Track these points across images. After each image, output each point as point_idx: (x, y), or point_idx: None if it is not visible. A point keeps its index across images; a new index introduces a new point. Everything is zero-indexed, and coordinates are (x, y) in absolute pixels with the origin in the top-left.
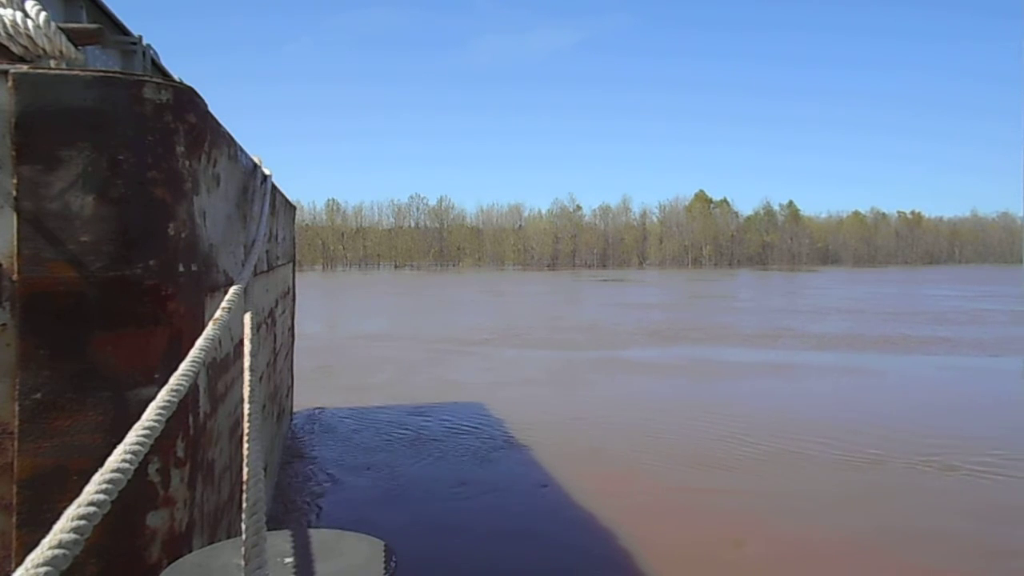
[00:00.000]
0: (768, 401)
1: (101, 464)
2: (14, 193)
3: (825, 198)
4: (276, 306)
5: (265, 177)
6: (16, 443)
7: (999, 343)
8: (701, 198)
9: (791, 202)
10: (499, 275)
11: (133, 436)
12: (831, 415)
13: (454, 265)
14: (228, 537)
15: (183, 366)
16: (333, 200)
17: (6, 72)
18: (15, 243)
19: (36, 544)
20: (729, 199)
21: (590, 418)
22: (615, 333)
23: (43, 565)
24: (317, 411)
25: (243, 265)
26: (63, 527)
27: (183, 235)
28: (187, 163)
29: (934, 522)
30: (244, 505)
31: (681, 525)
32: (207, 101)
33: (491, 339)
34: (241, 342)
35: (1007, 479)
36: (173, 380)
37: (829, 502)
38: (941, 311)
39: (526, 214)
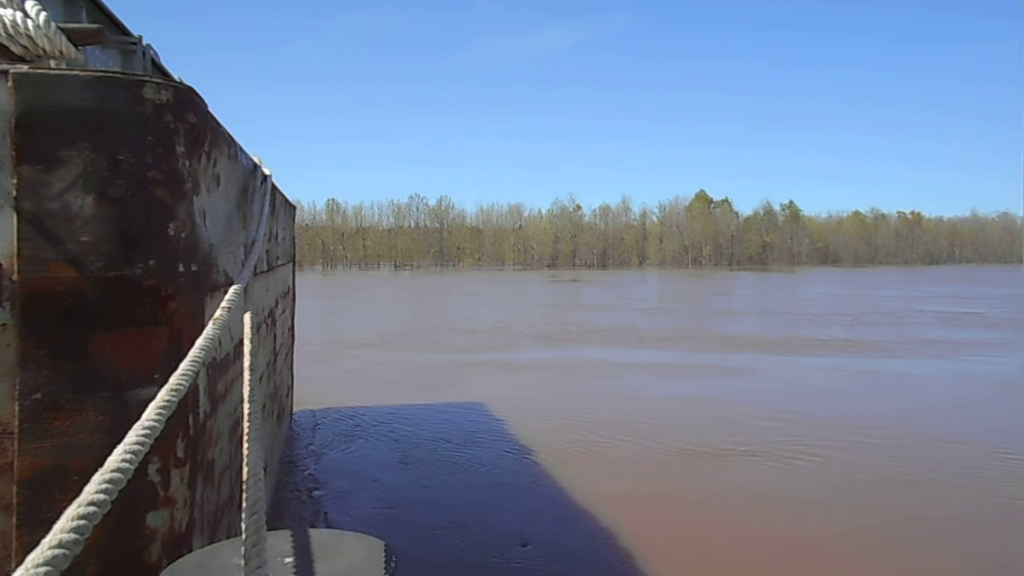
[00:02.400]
0: (616, 399)
1: (101, 464)
2: (14, 193)
3: (825, 198)
4: (276, 306)
5: (265, 177)
6: (16, 443)
7: (897, 345)
8: (701, 198)
9: (791, 202)
10: (472, 275)
11: (133, 436)
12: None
13: (454, 265)
14: (228, 537)
15: (183, 366)
16: (333, 200)
17: (6, 72)
18: (15, 243)
19: (36, 544)
20: (729, 199)
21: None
22: (510, 335)
23: (43, 565)
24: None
25: (243, 265)
26: (63, 527)
27: (183, 235)
28: (187, 163)
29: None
30: (244, 505)
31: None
32: (207, 101)
33: (373, 343)
34: (241, 342)
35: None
36: (173, 380)
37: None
38: (867, 312)
39: (526, 214)
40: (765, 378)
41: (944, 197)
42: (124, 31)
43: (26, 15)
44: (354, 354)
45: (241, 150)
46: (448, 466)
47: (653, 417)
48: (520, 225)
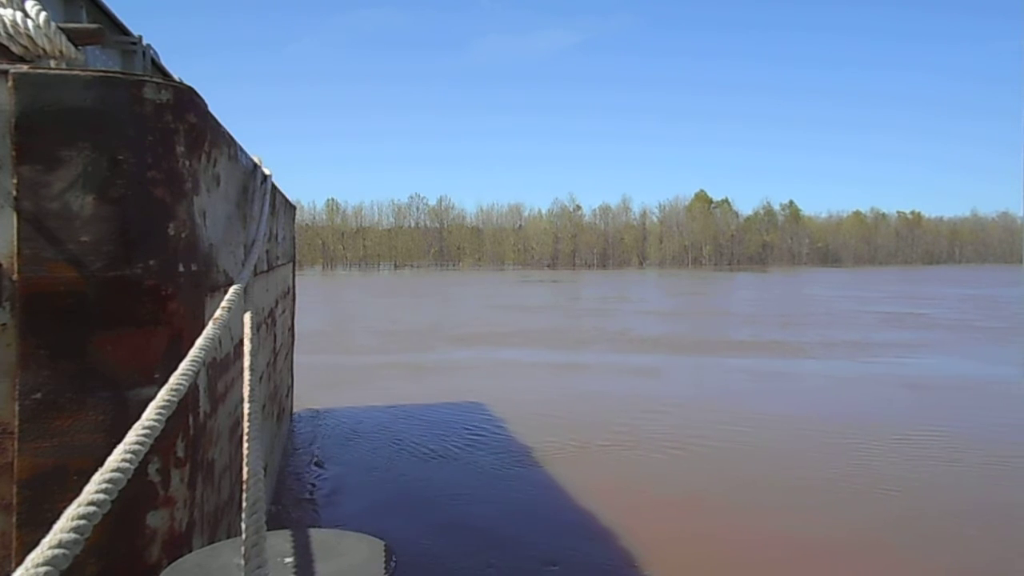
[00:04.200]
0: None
1: (101, 464)
2: (14, 193)
3: (825, 198)
4: (276, 306)
5: (265, 177)
6: (16, 443)
7: (817, 347)
8: (701, 198)
9: (791, 202)
10: (459, 275)
11: (133, 436)
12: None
13: (454, 265)
14: (228, 537)
15: (183, 366)
16: (333, 200)
17: (6, 72)
18: (15, 243)
19: (36, 544)
20: (729, 199)
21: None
22: (430, 336)
23: (43, 565)
24: None
25: (243, 265)
26: (63, 527)
27: (183, 235)
28: (187, 163)
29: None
30: (244, 505)
31: None
32: (207, 101)
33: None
34: (241, 342)
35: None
36: (173, 380)
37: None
38: (813, 313)
39: (526, 214)
40: (662, 378)
41: (944, 197)
42: (124, 31)
43: (26, 15)
44: None
45: (241, 150)
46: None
47: (514, 415)
48: (520, 225)
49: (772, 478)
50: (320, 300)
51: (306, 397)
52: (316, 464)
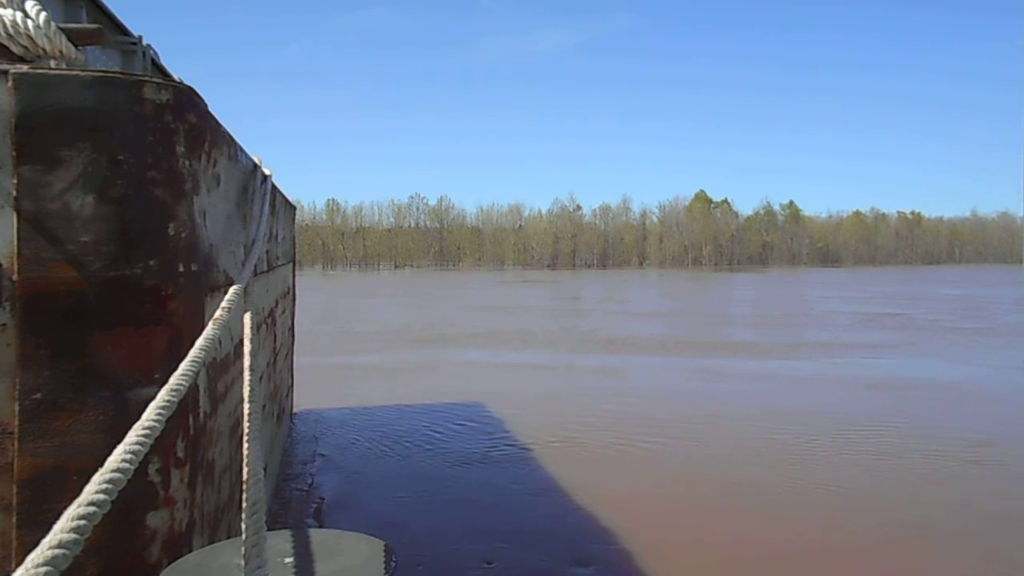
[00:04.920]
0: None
1: (101, 464)
2: (14, 193)
3: (825, 198)
4: (276, 306)
5: (265, 177)
6: (16, 443)
7: (787, 348)
8: (701, 198)
9: (791, 202)
10: (454, 275)
11: (133, 436)
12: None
13: (454, 265)
14: (228, 537)
15: (183, 366)
16: (333, 200)
17: (6, 72)
18: (15, 243)
19: (36, 544)
20: (729, 199)
21: None
22: (394, 337)
23: (43, 565)
24: None
25: (243, 265)
26: (63, 527)
27: (183, 235)
28: (187, 163)
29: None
30: (244, 505)
31: None
32: (207, 101)
33: None
34: (241, 342)
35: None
36: (173, 380)
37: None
38: (791, 314)
39: (526, 214)
40: (619, 378)
41: (944, 197)
42: (124, 31)
43: (26, 15)
44: None
45: (241, 150)
46: None
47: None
48: (520, 225)
49: (711, 476)
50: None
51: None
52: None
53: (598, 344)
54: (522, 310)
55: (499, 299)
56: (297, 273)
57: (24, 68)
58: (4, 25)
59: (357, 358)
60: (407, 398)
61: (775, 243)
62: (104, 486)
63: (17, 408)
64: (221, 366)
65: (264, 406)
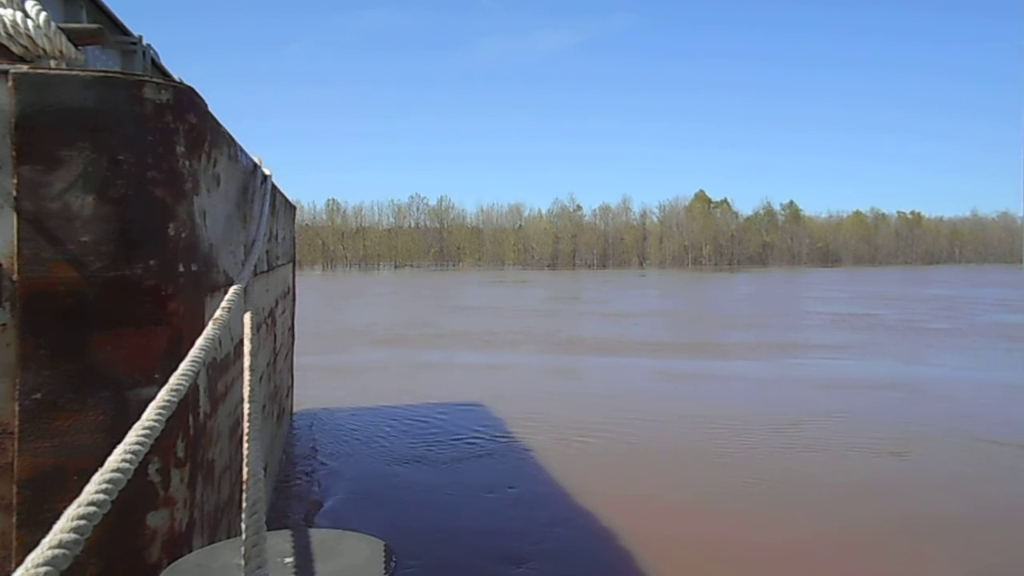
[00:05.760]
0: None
1: (101, 464)
2: (14, 193)
3: (825, 198)
4: (276, 306)
5: (265, 177)
6: (16, 443)
7: (750, 349)
8: (701, 198)
9: (791, 202)
10: (461, 275)
11: (133, 436)
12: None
13: (454, 265)
14: (228, 537)
15: (183, 366)
16: (333, 200)
17: (6, 72)
18: (15, 243)
19: (36, 544)
20: (729, 199)
21: None
22: (351, 338)
23: (43, 565)
24: None
25: (243, 265)
26: (63, 527)
27: (183, 235)
28: (187, 163)
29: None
30: (244, 505)
31: None
32: (207, 101)
33: None
34: (241, 342)
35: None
36: (173, 380)
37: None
38: (765, 314)
39: (526, 214)
40: (571, 379)
41: (944, 197)
42: (124, 31)
43: (26, 15)
44: None
45: (241, 150)
46: None
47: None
48: (520, 225)
49: (640, 474)
50: None
51: None
52: None
53: (557, 345)
54: (492, 310)
55: (478, 299)
56: (297, 273)
57: (24, 68)
58: (4, 25)
59: (306, 359)
60: (336, 401)
61: (775, 243)
62: (104, 486)
63: (17, 408)
64: (221, 366)
65: (264, 406)
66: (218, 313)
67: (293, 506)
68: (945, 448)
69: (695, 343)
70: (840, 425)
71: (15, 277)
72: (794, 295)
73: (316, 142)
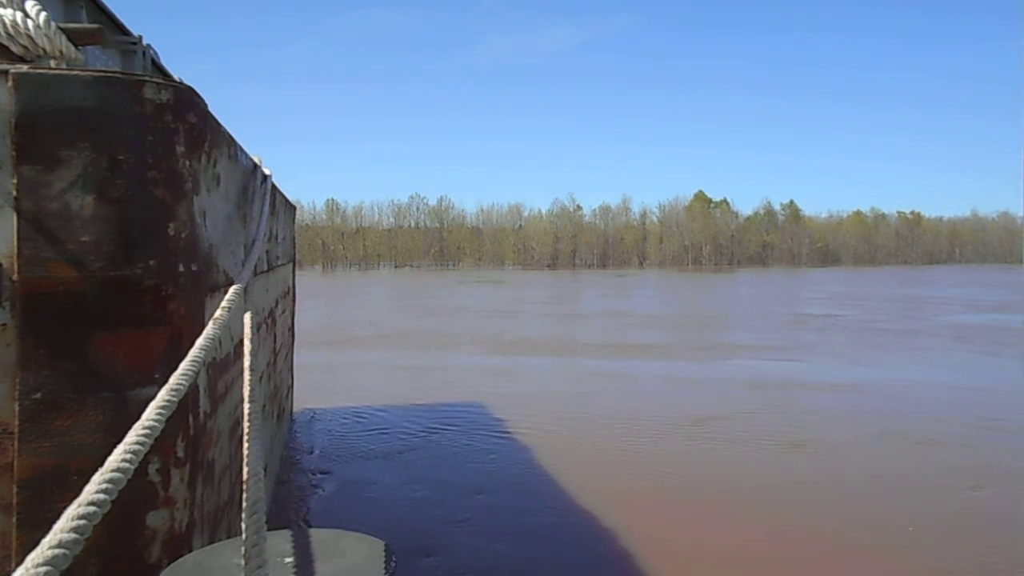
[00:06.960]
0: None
1: (101, 464)
2: (14, 193)
3: (825, 198)
4: (276, 306)
5: (265, 177)
6: (16, 443)
7: (696, 349)
8: (701, 198)
9: (791, 202)
10: (445, 275)
11: (133, 436)
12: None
13: (454, 265)
14: (228, 537)
15: (183, 366)
16: (333, 200)
17: (6, 72)
18: (15, 243)
19: (36, 544)
20: (729, 199)
21: None
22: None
23: (43, 565)
24: None
25: (243, 265)
26: (63, 527)
27: (183, 235)
28: (187, 163)
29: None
30: (244, 505)
31: None
32: (207, 101)
33: None
34: (241, 342)
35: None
36: (173, 380)
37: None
38: (739, 315)
39: (526, 214)
40: (508, 379)
41: (944, 197)
42: (124, 31)
43: (26, 15)
44: None
45: (241, 150)
46: None
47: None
48: (520, 225)
49: (541, 472)
50: None
51: None
52: None
53: (500, 345)
54: (461, 311)
55: (444, 300)
56: (297, 273)
57: (24, 68)
58: (4, 25)
59: None
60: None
61: (775, 243)
62: (104, 486)
63: (17, 408)
64: (221, 366)
65: (264, 406)
66: (218, 313)
67: (293, 506)
68: (845, 441)
69: (644, 344)
70: (747, 422)
71: (15, 277)
72: (772, 295)
73: (316, 142)
